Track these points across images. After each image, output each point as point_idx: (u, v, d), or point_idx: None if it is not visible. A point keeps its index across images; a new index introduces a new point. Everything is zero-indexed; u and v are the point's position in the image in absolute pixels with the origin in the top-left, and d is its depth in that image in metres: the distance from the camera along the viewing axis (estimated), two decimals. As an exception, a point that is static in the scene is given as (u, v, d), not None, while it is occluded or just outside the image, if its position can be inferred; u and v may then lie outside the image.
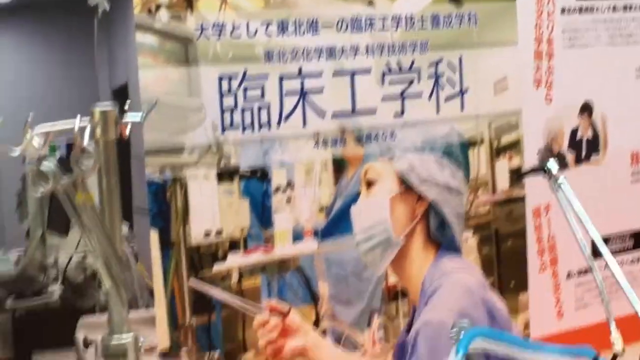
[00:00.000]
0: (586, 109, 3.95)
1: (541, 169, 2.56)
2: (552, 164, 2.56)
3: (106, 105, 1.90)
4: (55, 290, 4.33)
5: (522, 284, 3.74)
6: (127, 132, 1.92)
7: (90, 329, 3.92)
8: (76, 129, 1.77)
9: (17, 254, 4.68)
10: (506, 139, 3.72)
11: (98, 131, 1.75)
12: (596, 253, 2.36)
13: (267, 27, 3.20)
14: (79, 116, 1.83)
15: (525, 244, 3.76)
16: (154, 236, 3.00)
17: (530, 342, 2.24)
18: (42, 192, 4.24)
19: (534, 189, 3.71)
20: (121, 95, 9.80)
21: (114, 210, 1.31)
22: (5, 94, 10.14)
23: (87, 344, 3.71)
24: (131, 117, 1.94)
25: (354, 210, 3.33)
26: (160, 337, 3.00)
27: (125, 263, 1.29)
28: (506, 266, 3.70)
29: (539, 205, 3.76)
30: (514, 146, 3.73)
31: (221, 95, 3.10)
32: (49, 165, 4.31)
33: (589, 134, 3.98)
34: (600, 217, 2.49)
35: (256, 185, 3.19)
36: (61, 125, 1.89)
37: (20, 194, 4.54)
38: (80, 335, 4.01)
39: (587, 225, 2.40)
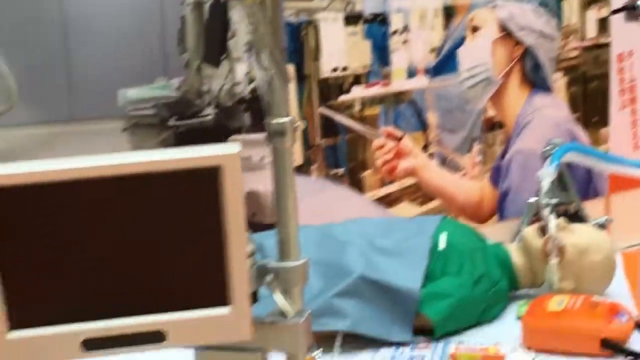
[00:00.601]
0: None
1: (632, 6, 2.46)
2: (644, 2, 2.45)
3: None
4: (209, 112, 4.37)
5: (603, 120, 3.65)
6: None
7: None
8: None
9: (178, 81, 4.74)
10: (597, -8, 3.56)
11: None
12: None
13: None
14: None
15: (608, 85, 3.64)
16: (290, 70, 2.99)
17: (613, 156, 2.20)
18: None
19: (619, 37, 3.57)
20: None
21: (275, 7, 1.30)
22: None
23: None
24: None
25: (460, 52, 3.28)
26: (295, 155, 3.03)
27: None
28: (590, 104, 3.61)
29: (622, 52, 3.62)
30: (603, -2, 3.58)
31: (348, -50, 3.04)
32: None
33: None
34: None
35: (377, 29, 3.15)
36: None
37: (180, 31, 4.56)
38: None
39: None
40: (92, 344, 1.23)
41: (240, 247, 1.22)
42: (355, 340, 1.94)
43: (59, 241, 1.19)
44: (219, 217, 1.20)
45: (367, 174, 3.23)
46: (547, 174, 2.16)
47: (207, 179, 1.18)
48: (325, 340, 1.90)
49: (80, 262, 1.20)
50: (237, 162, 1.18)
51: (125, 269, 1.21)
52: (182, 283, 1.23)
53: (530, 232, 2.13)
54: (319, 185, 3.15)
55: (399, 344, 1.94)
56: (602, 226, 2.17)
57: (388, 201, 3.27)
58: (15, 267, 1.19)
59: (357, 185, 3.22)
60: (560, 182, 2.22)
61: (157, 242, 1.20)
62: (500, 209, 3.43)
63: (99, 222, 1.19)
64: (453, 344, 1.93)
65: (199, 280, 1.23)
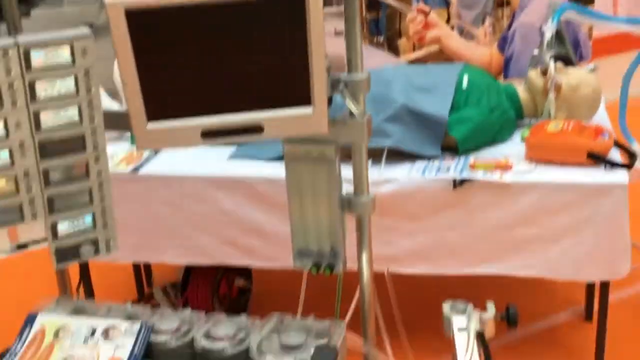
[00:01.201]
0: None
1: None
2: None
3: None
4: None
5: (590, -1, 3.54)
6: None
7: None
8: None
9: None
10: None
11: None
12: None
13: None
14: None
15: (595, -30, 3.52)
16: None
17: (606, 14, 2.16)
18: None
19: None
20: None
21: None
22: None
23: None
24: None
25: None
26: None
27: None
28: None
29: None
30: None
31: None
32: None
33: None
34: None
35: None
36: None
37: None
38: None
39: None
40: (208, 133, 1.28)
41: (321, 61, 1.25)
42: (397, 155, 1.98)
43: (184, 53, 1.23)
44: (305, 36, 1.22)
45: (401, 41, 3.21)
46: (549, 29, 2.14)
47: (297, 5, 1.20)
48: (374, 155, 1.95)
49: (200, 69, 1.24)
50: (319, -8, 1.20)
51: (234, 75, 1.25)
52: (277, 87, 1.27)
53: (534, 74, 2.13)
54: (364, 50, 3.14)
55: (430, 158, 1.98)
56: (591, 70, 2.16)
57: (418, 63, 3.26)
58: (152, 73, 1.24)
59: (394, 50, 3.21)
60: (558, 37, 2.20)
61: (259, 55, 1.24)
62: (505, 70, 3.40)
63: (216, 37, 1.22)
64: (472, 158, 1.97)
65: (290, 85, 1.27)
